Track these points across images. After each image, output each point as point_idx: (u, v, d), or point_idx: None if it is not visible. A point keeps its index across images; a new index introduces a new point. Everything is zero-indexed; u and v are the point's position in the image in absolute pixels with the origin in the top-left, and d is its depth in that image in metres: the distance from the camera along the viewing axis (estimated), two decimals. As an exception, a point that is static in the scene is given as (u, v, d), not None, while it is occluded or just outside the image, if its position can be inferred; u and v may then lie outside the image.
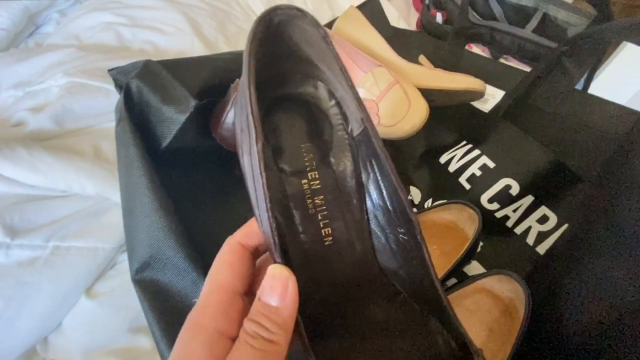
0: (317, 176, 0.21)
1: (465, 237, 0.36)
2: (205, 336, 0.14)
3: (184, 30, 0.50)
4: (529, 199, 0.38)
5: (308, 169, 0.21)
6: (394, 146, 0.45)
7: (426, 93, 0.40)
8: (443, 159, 0.44)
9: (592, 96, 0.41)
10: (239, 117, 0.19)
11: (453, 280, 0.36)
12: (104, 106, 0.40)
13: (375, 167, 0.20)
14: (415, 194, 0.43)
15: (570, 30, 0.46)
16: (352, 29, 0.47)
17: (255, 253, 0.17)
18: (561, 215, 0.37)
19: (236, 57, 0.40)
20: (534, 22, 0.47)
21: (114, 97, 0.38)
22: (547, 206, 0.37)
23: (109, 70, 0.33)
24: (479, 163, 0.40)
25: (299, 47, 0.19)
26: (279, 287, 0.15)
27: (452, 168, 0.42)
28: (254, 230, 0.17)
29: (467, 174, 0.41)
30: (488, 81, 0.43)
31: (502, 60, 0.51)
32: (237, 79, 0.32)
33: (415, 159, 0.45)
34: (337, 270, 0.20)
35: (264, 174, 0.15)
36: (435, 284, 0.18)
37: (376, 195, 0.20)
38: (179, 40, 0.49)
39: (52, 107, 0.38)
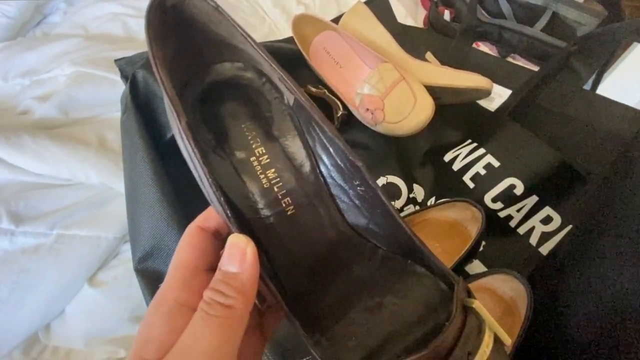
0: (264, 151, 0.21)
1: (467, 236, 0.36)
2: (165, 308, 0.15)
3: (190, 23, 0.50)
4: (533, 199, 0.37)
5: (254, 146, 0.21)
6: (398, 143, 0.45)
7: (432, 90, 0.40)
8: (447, 157, 0.43)
9: (600, 97, 0.41)
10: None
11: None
12: (109, 96, 0.40)
13: (318, 130, 0.20)
14: (419, 192, 0.43)
15: (579, 29, 0.46)
16: (359, 24, 0.47)
17: (217, 235, 0.18)
18: (565, 216, 0.36)
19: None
20: (543, 21, 0.47)
21: (120, 87, 0.38)
22: (551, 207, 0.37)
23: (116, 61, 0.33)
24: (483, 162, 0.40)
25: (209, 29, 0.19)
26: (237, 254, 0.15)
27: (456, 166, 0.42)
28: (212, 215, 0.18)
29: (471, 172, 0.40)
30: (495, 80, 0.42)
31: (509, 59, 0.51)
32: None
33: (420, 157, 0.44)
34: (308, 238, 0.21)
35: (196, 150, 0.16)
36: (406, 230, 0.18)
37: (326, 156, 0.21)
38: (185, 32, 0.49)
39: (58, 96, 0.38)
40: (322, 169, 0.21)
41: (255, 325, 0.19)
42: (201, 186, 0.18)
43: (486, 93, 0.41)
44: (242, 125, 0.21)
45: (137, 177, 0.30)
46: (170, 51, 0.18)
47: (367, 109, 0.41)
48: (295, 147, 0.21)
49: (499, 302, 0.32)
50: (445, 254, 0.36)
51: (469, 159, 0.41)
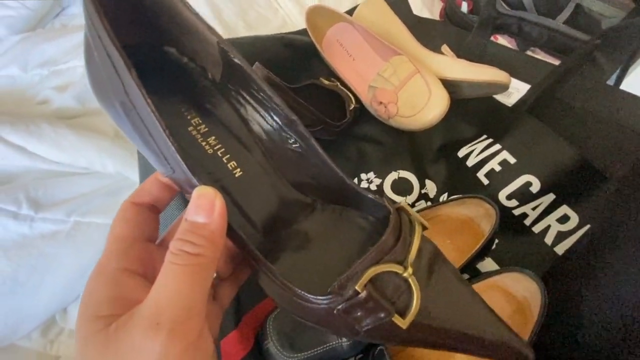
0: (200, 122, 0.22)
1: (480, 233, 0.36)
2: (107, 276, 0.15)
3: (203, 14, 0.50)
4: (549, 197, 0.36)
5: (189, 117, 0.22)
6: (410, 138, 0.44)
7: (447, 84, 0.39)
8: (461, 153, 0.42)
9: (624, 92, 0.39)
10: (102, 83, 0.18)
11: (465, 277, 0.36)
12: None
13: (248, 97, 0.22)
14: (431, 188, 0.42)
15: (604, 22, 0.44)
16: (374, 16, 0.46)
17: (153, 209, 0.18)
18: (583, 215, 0.35)
19: (256, 41, 0.40)
20: (566, 13, 0.45)
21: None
22: (568, 205, 0.36)
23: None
24: (499, 158, 0.39)
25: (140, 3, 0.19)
26: (205, 204, 0.15)
27: (470, 162, 0.41)
28: (145, 190, 0.18)
29: (486, 168, 0.39)
30: (513, 74, 0.41)
31: (529, 53, 0.49)
32: (257, 63, 0.32)
33: (433, 152, 0.44)
34: (257, 197, 0.22)
35: (148, 99, 0.16)
36: (337, 172, 0.20)
37: (260, 120, 0.22)
38: (199, 24, 0.49)
39: (75, 86, 0.39)
40: (258, 131, 0.23)
41: (211, 296, 0.19)
42: (152, 151, 0.18)
43: (504, 87, 0.40)
44: (173, 99, 0.22)
45: (150, 168, 0.31)
46: (113, 16, 0.18)
47: (380, 102, 0.40)
48: (230, 116, 0.23)
49: (511, 300, 0.31)
50: (457, 251, 0.35)
51: (484, 154, 0.40)
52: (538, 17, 0.46)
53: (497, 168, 0.39)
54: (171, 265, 0.14)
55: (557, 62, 0.46)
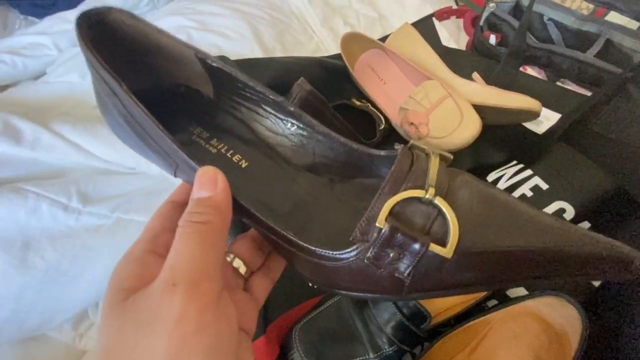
0: (202, 130, 0.23)
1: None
2: (134, 256, 0.16)
3: (246, 37, 0.54)
4: (584, 226, 0.36)
5: (191, 129, 0.24)
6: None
7: (479, 110, 0.40)
8: (491, 177, 0.42)
9: (659, 125, 0.39)
10: (106, 106, 0.20)
11: (494, 302, 0.35)
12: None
13: (240, 100, 0.23)
14: (459, 210, 0.42)
15: (636, 57, 0.44)
16: (405, 44, 0.49)
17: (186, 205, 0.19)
18: (621, 246, 0.34)
19: (297, 60, 0.42)
20: (596, 48, 0.46)
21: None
22: (605, 235, 0.35)
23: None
24: (530, 184, 0.39)
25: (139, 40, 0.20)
26: (207, 181, 0.16)
27: (500, 187, 0.41)
28: (181, 189, 0.20)
29: (516, 194, 0.39)
30: (543, 103, 0.42)
31: (559, 84, 0.50)
32: (302, 78, 0.34)
33: (461, 175, 0.44)
34: (268, 184, 0.23)
35: (143, 108, 0.17)
36: (342, 140, 0.20)
37: (257, 117, 0.23)
38: (240, 45, 0.53)
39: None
40: (259, 128, 0.24)
41: (240, 286, 0.20)
42: (159, 152, 0.19)
43: (534, 115, 0.41)
44: (174, 120, 0.23)
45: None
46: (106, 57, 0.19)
47: (412, 123, 0.42)
48: (229, 123, 0.24)
49: (546, 329, 0.30)
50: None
51: (514, 179, 0.40)
52: (569, 50, 0.47)
53: (529, 194, 0.39)
54: (183, 233, 0.15)
55: (587, 93, 0.47)
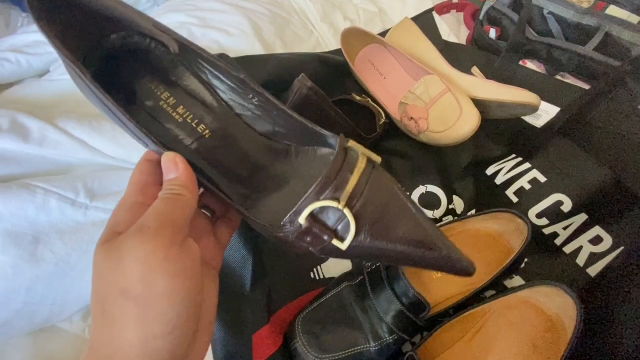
0: (169, 95, 0.25)
1: (509, 250, 0.36)
2: (128, 205, 0.20)
3: (246, 33, 0.54)
4: (581, 218, 0.36)
5: (159, 93, 0.25)
6: (439, 154, 0.45)
7: (478, 104, 0.40)
8: (490, 171, 0.43)
9: (657, 118, 0.39)
10: (83, 89, 0.21)
11: (491, 293, 0.36)
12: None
13: (205, 64, 0.24)
14: (459, 204, 0.43)
15: (635, 50, 0.45)
16: (405, 39, 0.49)
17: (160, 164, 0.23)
18: (617, 237, 0.35)
19: (296, 57, 0.43)
20: (595, 41, 0.46)
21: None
22: (601, 227, 0.36)
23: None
24: (529, 177, 0.39)
25: (87, 6, 0.21)
26: (170, 164, 0.20)
27: (499, 180, 0.42)
28: (151, 152, 0.23)
29: (515, 187, 0.40)
30: (542, 97, 0.42)
31: (558, 77, 0.50)
32: (302, 74, 0.34)
33: (461, 169, 0.44)
34: (230, 152, 0.25)
35: (108, 96, 0.19)
36: (297, 118, 0.23)
37: (220, 84, 0.25)
38: (241, 41, 0.53)
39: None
40: (221, 95, 0.26)
41: (210, 233, 0.24)
42: (127, 131, 0.21)
43: (533, 109, 0.41)
44: (143, 80, 0.25)
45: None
46: (58, 30, 0.21)
47: (411, 118, 0.42)
48: (193, 84, 0.26)
49: (542, 318, 0.31)
50: (486, 265, 0.35)
51: (513, 173, 0.41)
52: (568, 44, 0.47)
53: (527, 186, 0.39)
54: (162, 197, 0.19)
55: (586, 87, 0.47)
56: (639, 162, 0.37)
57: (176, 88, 0.25)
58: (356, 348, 0.30)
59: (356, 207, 0.20)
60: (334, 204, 0.20)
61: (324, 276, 0.36)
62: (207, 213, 0.25)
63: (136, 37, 0.24)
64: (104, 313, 0.17)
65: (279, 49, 0.56)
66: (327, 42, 0.62)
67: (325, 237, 0.20)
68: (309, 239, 0.21)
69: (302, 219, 0.20)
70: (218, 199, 0.22)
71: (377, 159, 0.22)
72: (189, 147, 0.25)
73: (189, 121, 0.25)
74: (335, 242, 0.20)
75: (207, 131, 0.25)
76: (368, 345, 0.30)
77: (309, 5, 0.64)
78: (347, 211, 0.20)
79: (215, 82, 0.25)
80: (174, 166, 0.20)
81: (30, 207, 0.31)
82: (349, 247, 0.20)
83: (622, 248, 0.34)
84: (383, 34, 0.52)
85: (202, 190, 0.23)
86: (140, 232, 0.17)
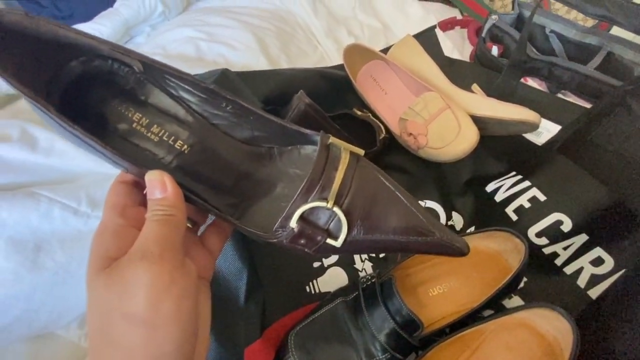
0: (140, 115, 0.25)
1: (507, 269, 0.35)
2: (110, 229, 0.20)
3: (252, 48, 0.55)
4: (582, 238, 0.36)
5: (130, 115, 0.24)
6: (438, 170, 0.45)
7: (478, 121, 0.40)
8: (489, 188, 0.43)
9: (660, 138, 0.39)
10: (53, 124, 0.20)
11: (489, 313, 0.35)
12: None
13: (172, 78, 0.24)
14: (458, 220, 0.42)
15: (637, 70, 0.44)
16: (407, 55, 0.50)
17: (137, 184, 0.22)
18: (618, 259, 0.34)
19: (298, 72, 0.44)
20: (597, 60, 0.46)
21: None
22: (602, 248, 0.35)
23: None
24: (528, 195, 0.39)
25: (41, 36, 0.20)
26: (157, 184, 0.20)
27: (498, 197, 0.41)
28: (124, 174, 0.23)
29: (514, 204, 0.40)
30: (543, 115, 0.42)
31: (559, 96, 0.50)
32: (301, 91, 0.35)
33: (460, 185, 0.44)
34: (212, 163, 0.25)
35: (77, 127, 0.19)
36: (275, 121, 0.23)
37: (190, 97, 0.25)
38: (247, 56, 0.54)
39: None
40: (194, 107, 0.25)
41: (197, 243, 0.24)
42: (103, 158, 0.21)
43: (533, 127, 0.41)
44: (112, 104, 0.24)
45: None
46: (14, 69, 0.19)
47: (410, 134, 0.42)
48: (164, 101, 0.25)
49: (539, 341, 0.30)
50: (483, 284, 0.35)
51: (512, 190, 0.41)
52: (569, 63, 0.48)
53: (527, 205, 0.39)
54: (152, 220, 0.19)
55: (587, 105, 0.47)
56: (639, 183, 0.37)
57: (147, 107, 0.25)
58: (348, 365, 0.29)
59: (345, 204, 0.20)
60: (322, 204, 0.20)
61: (319, 290, 0.36)
62: (188, 225, 0.24)
63: (97, 60, 0.23)
64: (106, 338, 0.17)
65: (284, 64, 0.57)
66: (331, 56, 0.64)
67: (319, 238, 0.20)
68: (302, 241, 0.21)
69: (293, 223, 0.20)
70: (207, 212, 0.22)
71: (360, 152, 0.22)
72: (169, 165, 0.24)
73: (165, 139, 0.25)
74: (329, 240, 0.21)
75: (185, 146, 0.25)
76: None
77: (314, 21, 0.65)
78: (336, 209, 0.20)
79: (186, 96, 0.25)
80: (161, 186, 0.20)
81: (34, 215, 0.32)
82: (344, 243, 0.21)
83: (623, 270, 0.33)
84: (386, 50, 0.53)
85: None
86: (144, 257, 0.17)
